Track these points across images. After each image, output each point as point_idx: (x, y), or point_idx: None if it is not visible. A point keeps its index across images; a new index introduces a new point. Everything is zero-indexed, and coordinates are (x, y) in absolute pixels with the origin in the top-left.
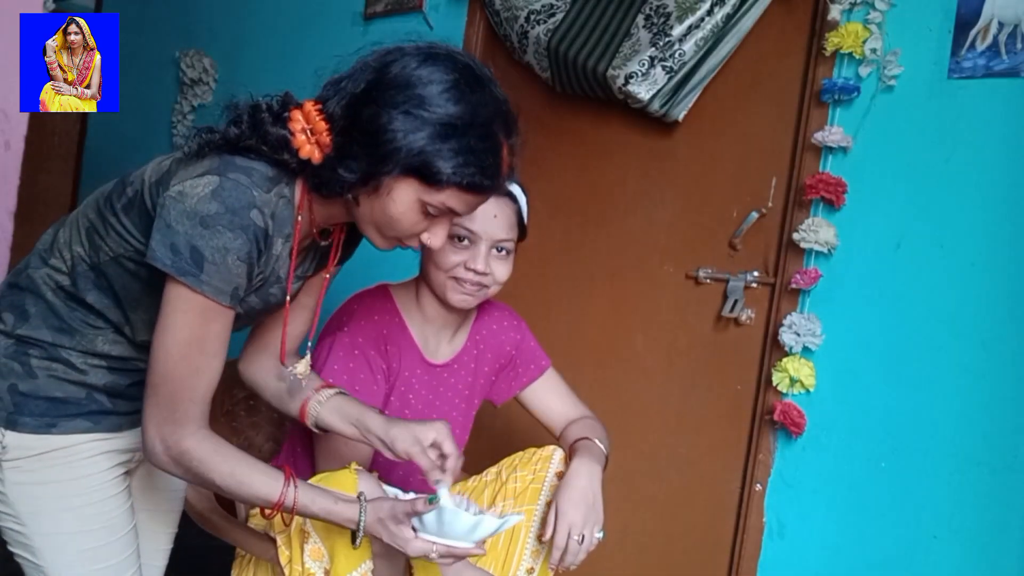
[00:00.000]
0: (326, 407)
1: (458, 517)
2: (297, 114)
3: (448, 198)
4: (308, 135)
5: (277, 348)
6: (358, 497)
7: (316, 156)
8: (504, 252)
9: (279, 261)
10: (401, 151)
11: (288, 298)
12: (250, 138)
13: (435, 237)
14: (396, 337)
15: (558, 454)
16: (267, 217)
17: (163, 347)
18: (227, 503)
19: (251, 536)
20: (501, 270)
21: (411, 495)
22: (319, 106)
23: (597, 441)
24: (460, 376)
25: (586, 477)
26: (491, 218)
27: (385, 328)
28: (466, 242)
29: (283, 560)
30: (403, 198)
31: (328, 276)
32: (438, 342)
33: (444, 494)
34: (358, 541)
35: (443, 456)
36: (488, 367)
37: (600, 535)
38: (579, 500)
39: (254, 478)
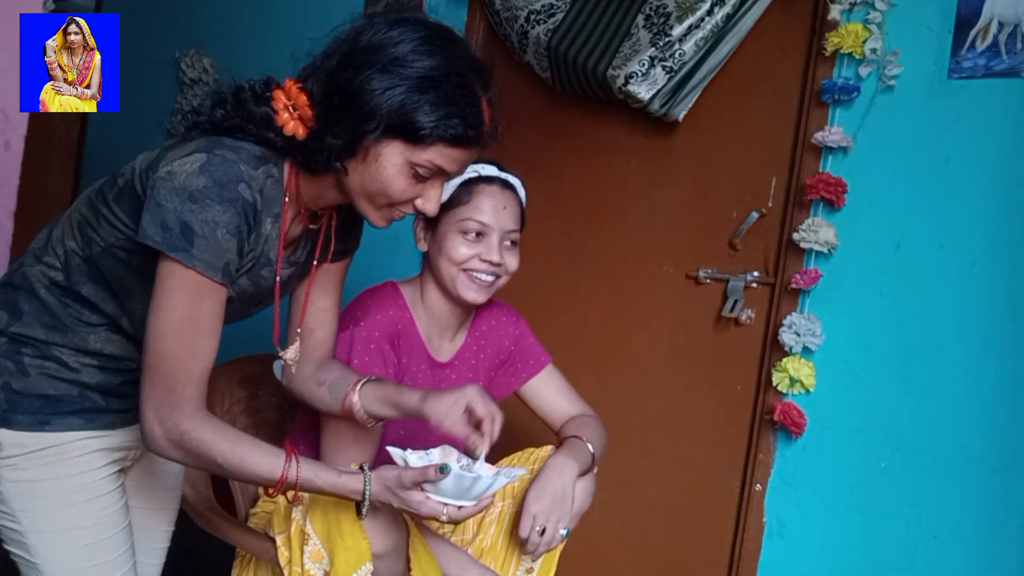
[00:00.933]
0: (366, 397)
1: (479, 482)
2: (279, 92)
3: (435, 155)
4: (291, 111)
5: (310, 356)
6: (360, 468)
7: (300, 131)
8: (513, 244)
9: (268, 242)
10: (382, 107)
11: (278, 278)
12: (235, 117)
13: (429, 202)
14: (407, 333)
15: None
16: (255, 192)
17: (157, 327)
18: (227, 502)
19: (251, 536)
20: (512, 261)
21: (411, 453)
22: (299, 84)
23: (585, 440)
24: (462, 373)
25: (556, 472)
26: (501, 209)
27: (398, 323)
28: (472, 236)
29: (283, 561)
30: (391, 161)
31: (315, 264)
32: (441, 340)
33: (453, 460)
34: (364, 511)
35: (479, 419)
36: (488, 363)
37: (565, 532)
38: (546, 493)
39: (256, 455)
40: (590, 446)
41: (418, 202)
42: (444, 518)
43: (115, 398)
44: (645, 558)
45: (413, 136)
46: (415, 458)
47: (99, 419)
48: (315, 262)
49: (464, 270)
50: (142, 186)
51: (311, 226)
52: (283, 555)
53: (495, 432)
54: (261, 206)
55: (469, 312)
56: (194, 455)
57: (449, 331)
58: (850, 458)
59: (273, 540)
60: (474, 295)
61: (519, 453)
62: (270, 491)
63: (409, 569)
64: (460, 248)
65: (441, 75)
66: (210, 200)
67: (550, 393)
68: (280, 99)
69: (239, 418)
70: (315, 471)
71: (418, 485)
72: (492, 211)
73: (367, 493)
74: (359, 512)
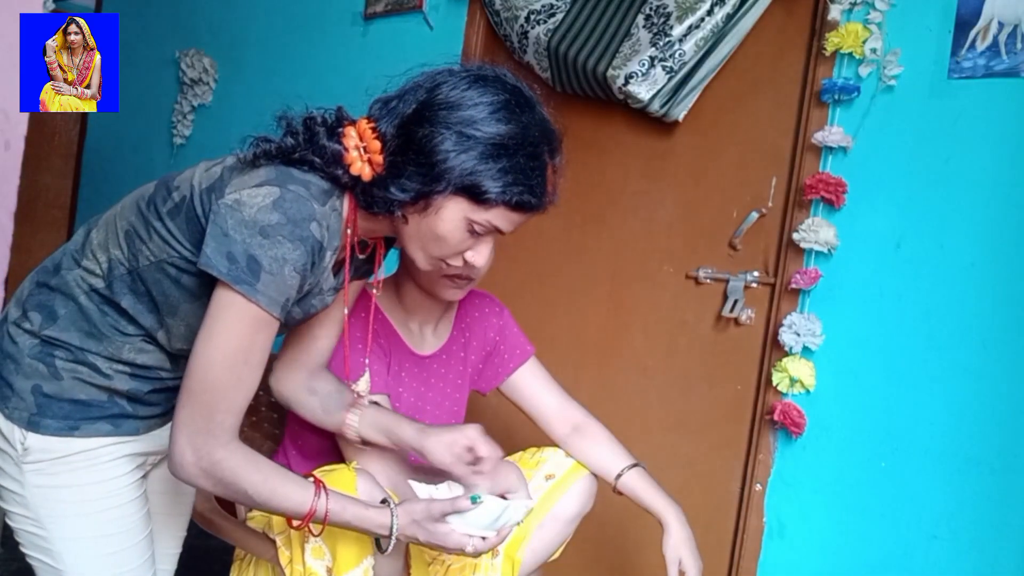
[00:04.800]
0: (363, 421)
1: (505, 513)
2: (351, 130)
3: (495, 217)
4: (361, 152)
5: (306, 363)
6: (383, 502)
7: (367, 174)
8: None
9: (324, 273)
10: (453, 170)
11: (346, 311)
12: (305, 149)
13: (479, 255)
14: (384, 332)
15: (553, 459)
16: (324, 230)
17: (207, 355)
18: (227, 503)
19: (251, 536)
20: (487, 259)
21: (437, 487)
22: (372, 124)
23: (640, 464)
24: (450, 366)
25: (684, 521)
26: None
27: (374, 324)
28: None
29: (283, 561)
30: (451, 216)
31: (373, 292)
32: (423, 334)
33: (483, 496)
34: (390, 546)
35: (478, 459)
36: (475, 355)
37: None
38: (693, 546)
39: (287, 488)
40: (642, 464)
41: (468, 255)
42: (470, 549)
43: (142, 405)
44: (645, 557)
45: (477, 198)
46: (437, 491)
47: (125, 425)
48: (374, 291)
49: (445, 276)
50: (203, 208)
51: (361, 255)
52: (284, 555)
53: (488, 471)
54: (327, 242)
55: (449, 303)
56: (224, 484)
57: (430, 324)
58: (850, 458)
59: (273, 540)
60: (453, 293)
61: (521, 453)
62: (295, 523)
63: (408, 565)
64: None
65: (515, 144)
66: (282, 237)
67: (537, 385)
68: (352, 138)
69: None
70: (343, 504)
71: (445, 516)
72: None
73: (395, 528)
74: (379, 547)
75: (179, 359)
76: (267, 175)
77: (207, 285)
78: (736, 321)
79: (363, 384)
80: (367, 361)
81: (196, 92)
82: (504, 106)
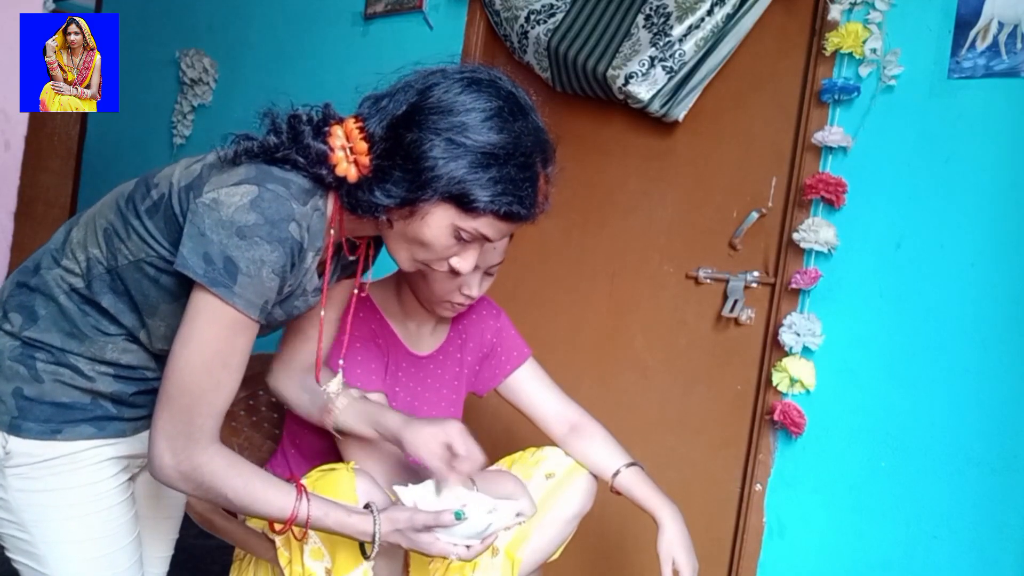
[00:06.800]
0: (347, 412)
1: (495, 521)
2: (338, 130)
3: (482, 225)
4: (347, 153)
5: (301, 362)
6: (366, 507)
7: (352, 175)
8: (489, 274)
9: (307, 275)
10: (441, 179)
11: (323, 313)
12: (288, 148)
13: (464, 262)
14: (382, 332)
15: (552, 458)
16: (303, 230)
17: (185, 358)
18: None
19: (251, 536)
20: (485, 286)
21: (412, 490)
22: (360, 123)
23: (638, 463)
24: (447, 367)
25: (681, 520)
26: (491, 249)
27: (372, 324)
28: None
29: (283, 561)
30: (438, 222)
31: (357, 292)
32: (420, 335)
33: (454, 497)
34: (373, 553)
35: (456, 455)
36: (471, 357)
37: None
38: (688, 546)
39: (267, 493)
40: (639, 463)
41: (453, 260)
42: (454, 558)
43: (127, 407)
44: (644, 558)
45: (465, 206)
46: (420, 494)
47: (110, 427)
48: (356, 291)
49: (443, 300)
50: (181, 206)
51: (351, 257)
52: (283, 555)
53: (471, 471)
54: (307, 243)
55: None
56: (204, 488)
57: (428, 324)
58: (850, 458)
59: (273, 541)
60: (448, 314)
61: (520, 453)
62: (277, 528)
63: (408, 567)
64: (444, 283)
65: (506, 154)
66: (259, 238)
67: (535, 386)
68: (338, 137)
69: (239, 417)
70: (325, 509)
71: (430, 528)
72: (485, 250)
73: (377, 535)
74: (363, 553)
75: (163, 359)
76: (246, 173)
77: (186, 285)
78: (736, 321)
79: (334, 385)
80: (342, 363)
81: (196, 92)
82: (497, 113)
